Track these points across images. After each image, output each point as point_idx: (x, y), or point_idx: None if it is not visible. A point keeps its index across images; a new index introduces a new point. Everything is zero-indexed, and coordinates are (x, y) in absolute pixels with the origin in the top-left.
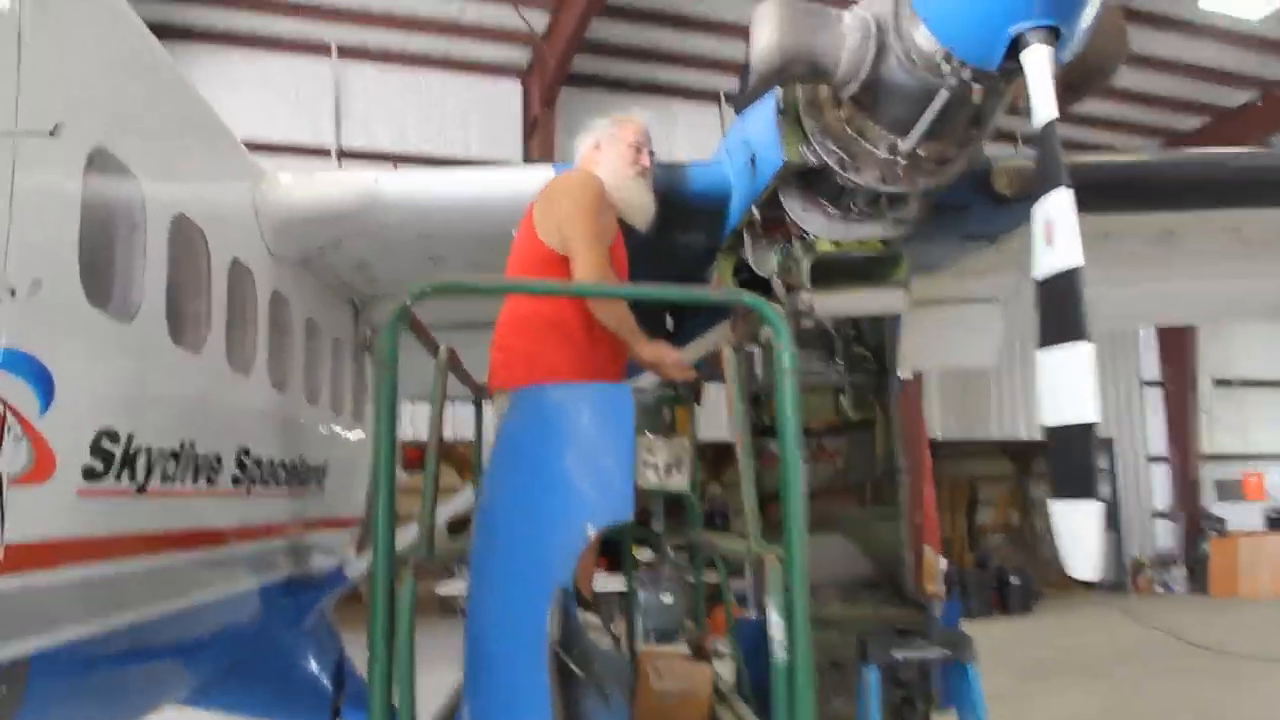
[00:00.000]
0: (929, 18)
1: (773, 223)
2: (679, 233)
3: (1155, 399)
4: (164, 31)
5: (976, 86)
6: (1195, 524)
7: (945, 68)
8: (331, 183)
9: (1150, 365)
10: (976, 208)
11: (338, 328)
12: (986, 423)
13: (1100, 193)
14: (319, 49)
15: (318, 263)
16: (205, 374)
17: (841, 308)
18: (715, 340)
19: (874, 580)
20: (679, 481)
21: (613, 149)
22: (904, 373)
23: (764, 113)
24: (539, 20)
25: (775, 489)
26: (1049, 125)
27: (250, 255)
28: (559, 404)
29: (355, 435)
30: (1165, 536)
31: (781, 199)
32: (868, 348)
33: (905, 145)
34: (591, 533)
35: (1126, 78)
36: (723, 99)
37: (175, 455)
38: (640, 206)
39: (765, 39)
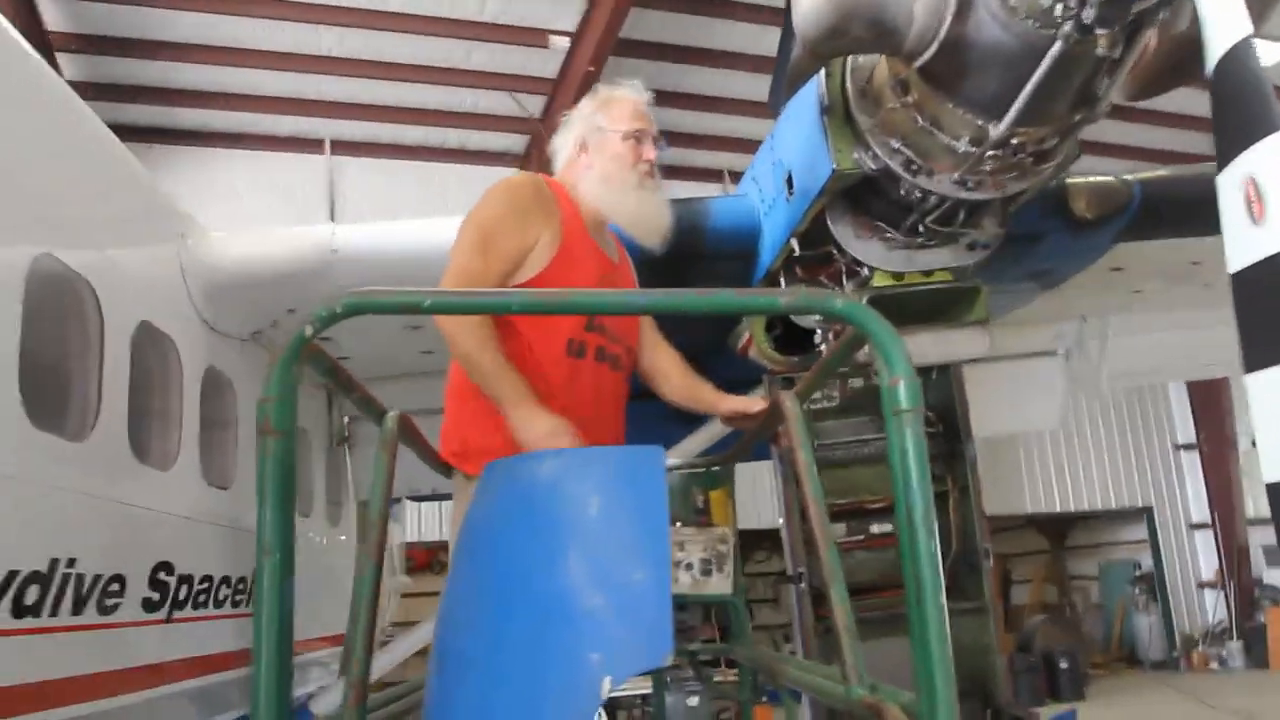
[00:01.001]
0: None
1: (815, 261)
2: (697, 283)
3: (1192, 463)
4: (160, 135)
5: (1103, 32)
6: (1247, 594)
7: (1059, 9)
8: (280, 239)
9: (1184, 427)
10: (1050, 237)
11: (305, 414)
12: (1019, 495)
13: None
14: (313, 144)
15: (275, 336)
16: (93, 468)
17: (912, 355)
18: (756, 400)
19: (960, 691)
20: (719, 584)
21: (604, 148)
22: None
23: (802, 116)
24: (535, 103)
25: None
26: (1242, 46)
27: (171, 322)
28: (551, 480)
29: (331, 540)
30: (1215, 608)
31: (829, 225)
32: (931, 409)
33: (999, 130)
34: (610, 686)
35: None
36: (728, 176)
37: (40, 579)
38: (651, 218)
39: None
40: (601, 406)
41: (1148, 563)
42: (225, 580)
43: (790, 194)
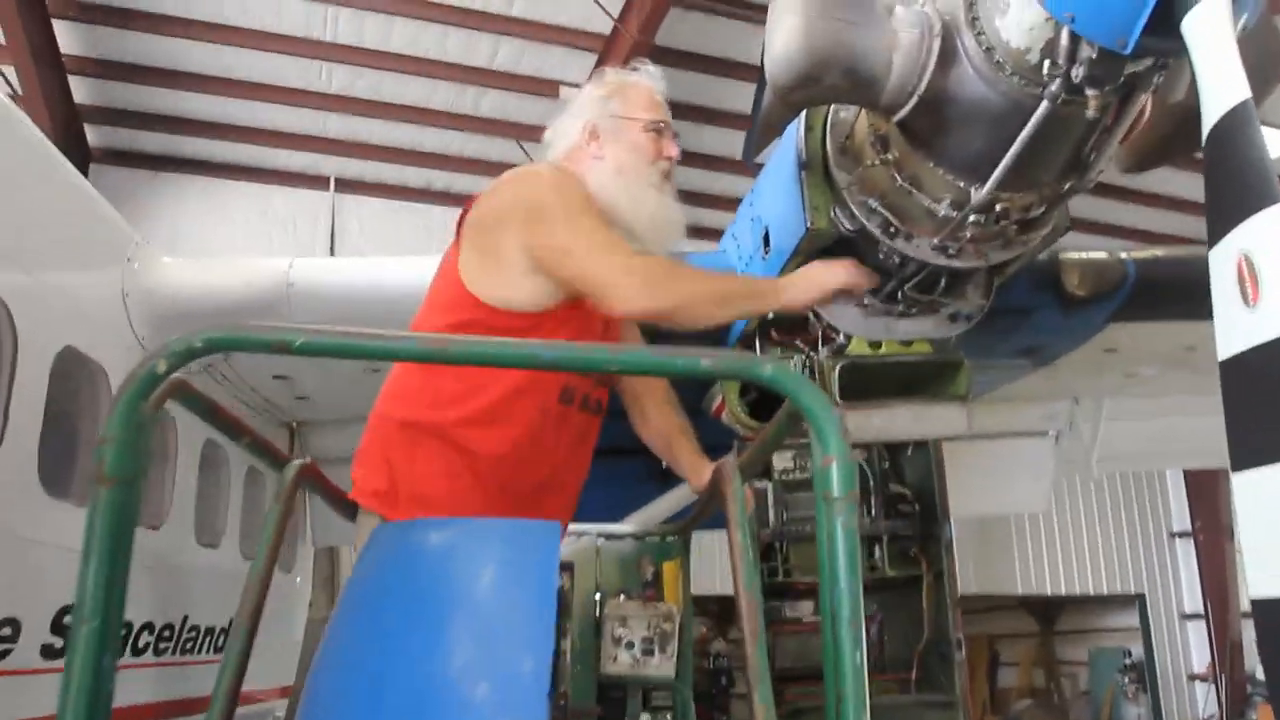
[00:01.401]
0: None
1: (789, 326)
2: (667, 342)
3: (1187, 552)
4: (168, 163)
5: (1093, 93)
6: (1239, 689)
7: (1046, 66)
8: (235, 269)
9: (1179, 514)
10: (1040, 313)
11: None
12: (1009, 575)
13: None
14: (318, 180)
15: (226, 371)
16: None
17: (884, 430)
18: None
19: None
20: (662, 666)
21: (620, 136)
22: None
23: (781, 171)
24: (539, 151)
25: (797, 664)
26: (1240, 110)
27: (105, 350)
28: (439, 552)
29: (284, 585)
30: (1206, 702)
31: None
32: (907, 486)
33: (981, 193)
34: None
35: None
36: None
37: None
38: (671, 222)
39: (787, 36)
40: (576, 452)
41: (1138, 651)
42: (147, 626)
43: (766, 253)
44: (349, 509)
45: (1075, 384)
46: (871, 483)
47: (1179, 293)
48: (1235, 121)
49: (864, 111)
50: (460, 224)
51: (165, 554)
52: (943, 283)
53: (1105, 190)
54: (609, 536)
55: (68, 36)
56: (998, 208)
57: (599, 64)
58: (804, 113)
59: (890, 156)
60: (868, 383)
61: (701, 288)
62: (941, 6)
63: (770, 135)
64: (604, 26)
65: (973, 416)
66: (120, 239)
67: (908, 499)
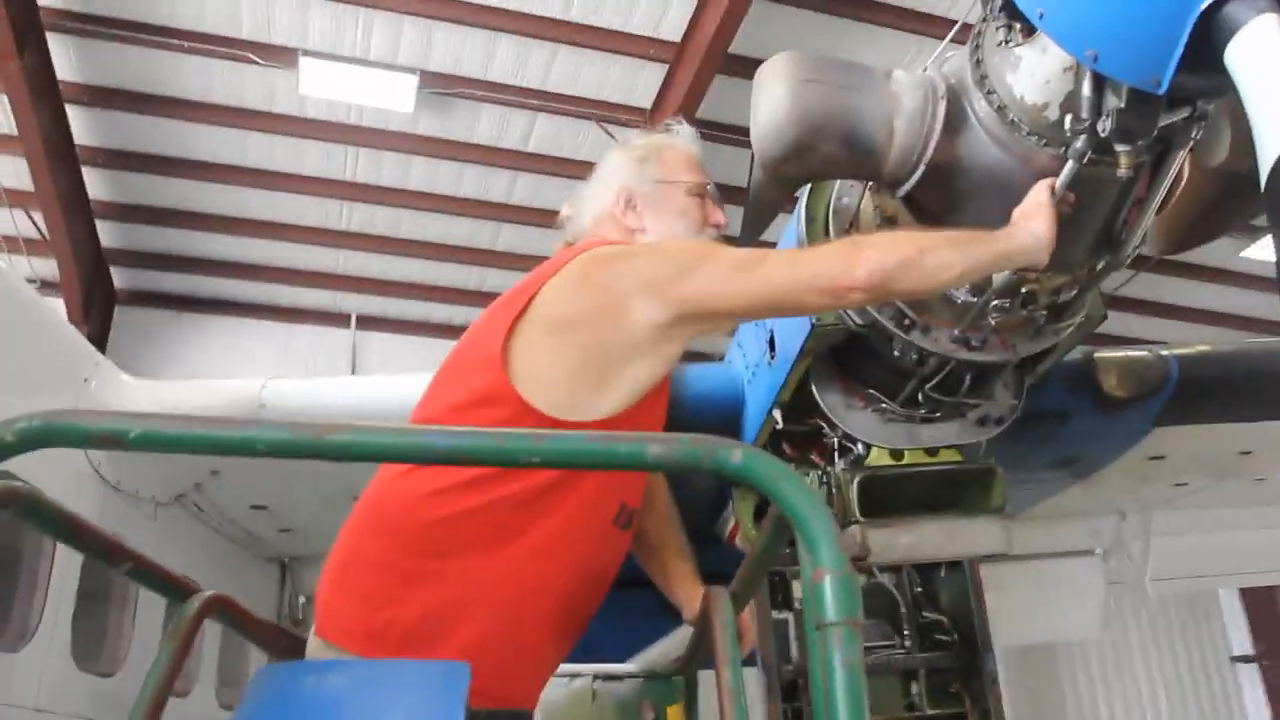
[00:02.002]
0: (1050, 10)
1: (804, 437)
2: None
3: (1251, 677)
4: (190, 304)
5: (1124, 149)
6: None
7: (1069, 121)
8: (203, 389)
9: (1239, 636)
10: (1077, 418)
11: (247, 591)
12: (1059, 710)
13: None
14: (338, 318)
15: (200, 502)
16: None
17: (913, 549)
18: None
19: None
20: None
21: (662, 204)
22: None
23: None
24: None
25: None
26: None
27: (51, 481)
28: (334, 696)
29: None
30: None
31: (814, 393)
32: (943, 611)
33: (1003, 277)
34: None
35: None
36: None
37: None
38: None
39: (774, 103)
40: (612, 574)
41: None
42: None
43: (772, 358)
44: (281, 644)
45: (1121, 496)
46: (903, 609)
47: (1228, 392)
48: None
49: (869, 194)
50: (517, 318)
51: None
52: (967, 381)
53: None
54: (606, 678)
55: (95, 181)
56: (1023, 291)
57: None
58: (803, 203)
59: None
60: (892, 497)
61: (919, 241)
62: (946, 69)
63: (762, 218)
64: None
65: (1013, 532)
66: (77, 360)
67: (945, 628)
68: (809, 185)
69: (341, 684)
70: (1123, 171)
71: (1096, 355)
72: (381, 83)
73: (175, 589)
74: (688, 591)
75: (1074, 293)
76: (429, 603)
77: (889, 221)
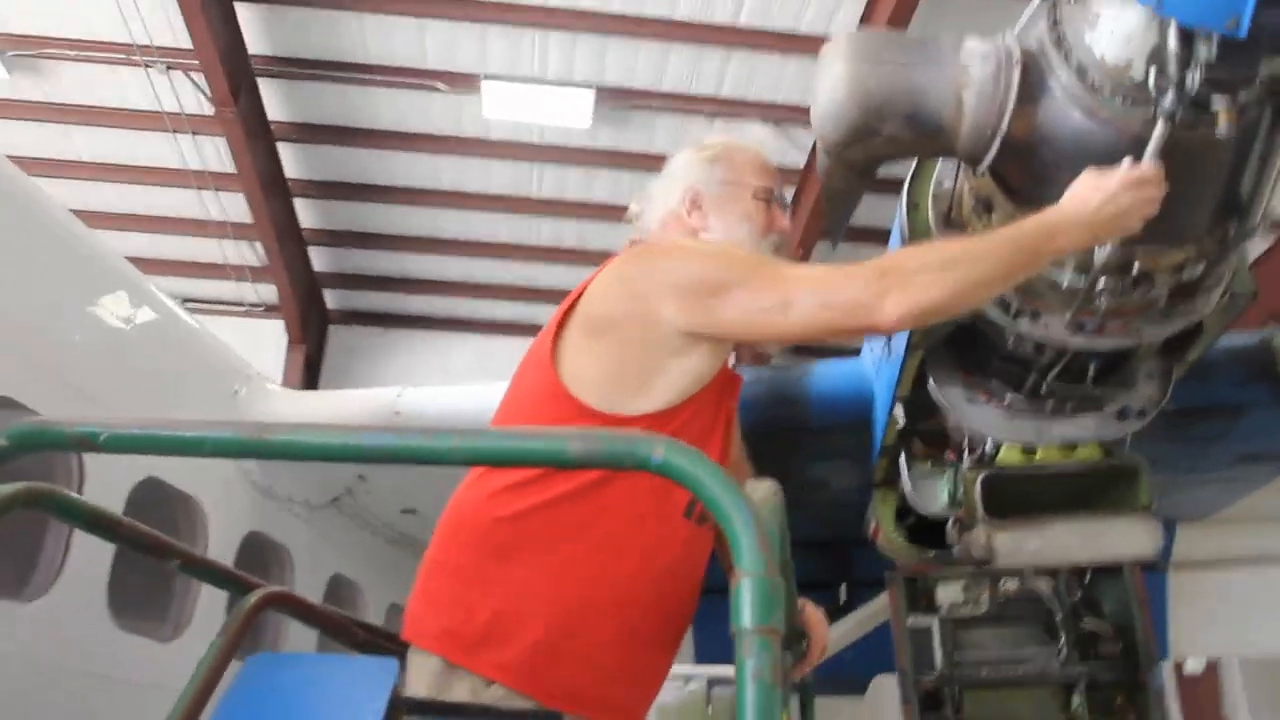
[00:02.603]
0: None
1: (935, 435)
2: (805, 464)
3: None
4: (394, 320)
5: (1222, 103)
6: None
7: (1154, 76)
8: (342, 400)
9: None
10: (1255, 411)
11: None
12: None
13: None
14: (534, 330)
15: (354, 506)
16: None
17: (1043, 554)
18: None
19: None
20: None
21: (728, 206)
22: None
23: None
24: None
25: None
26: None
27: (198, 484)
28: (272, 687)
29: None
30: None
31: (931, 386)
32: (1107, 621)
33: (1105, 252)
34: None
35: None
36: None
37: None
38: None
39: (833, 86)
40: (694, 572)
41: None
42: None
43: (889, 352)
44: (358, 639)
45: None
46: (1058, 616)
47: None
48: None
49: (966, 175)
50: (560, 326)
51: None
52: (1092, 370)
53: None
54: (720, 682)
55: (305, 210)
56: (1135, 269)
57: None
58: (906, 190)
59: (995, 219)
60: (1027, 497)
61: (965, 254)
62: (1025, 33)
63: (840, 206)
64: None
65: (1159, 535)
66: (229, 375)
67: (1109, 639)
68: (913, 172)
69: (288, 678)
70: (1222, 129)
71: (1277, 340)
72: (560, 100)
73: (234, 583)
74: None
75: (1200, 269)
76: (497, 604)
77: (983, 202)
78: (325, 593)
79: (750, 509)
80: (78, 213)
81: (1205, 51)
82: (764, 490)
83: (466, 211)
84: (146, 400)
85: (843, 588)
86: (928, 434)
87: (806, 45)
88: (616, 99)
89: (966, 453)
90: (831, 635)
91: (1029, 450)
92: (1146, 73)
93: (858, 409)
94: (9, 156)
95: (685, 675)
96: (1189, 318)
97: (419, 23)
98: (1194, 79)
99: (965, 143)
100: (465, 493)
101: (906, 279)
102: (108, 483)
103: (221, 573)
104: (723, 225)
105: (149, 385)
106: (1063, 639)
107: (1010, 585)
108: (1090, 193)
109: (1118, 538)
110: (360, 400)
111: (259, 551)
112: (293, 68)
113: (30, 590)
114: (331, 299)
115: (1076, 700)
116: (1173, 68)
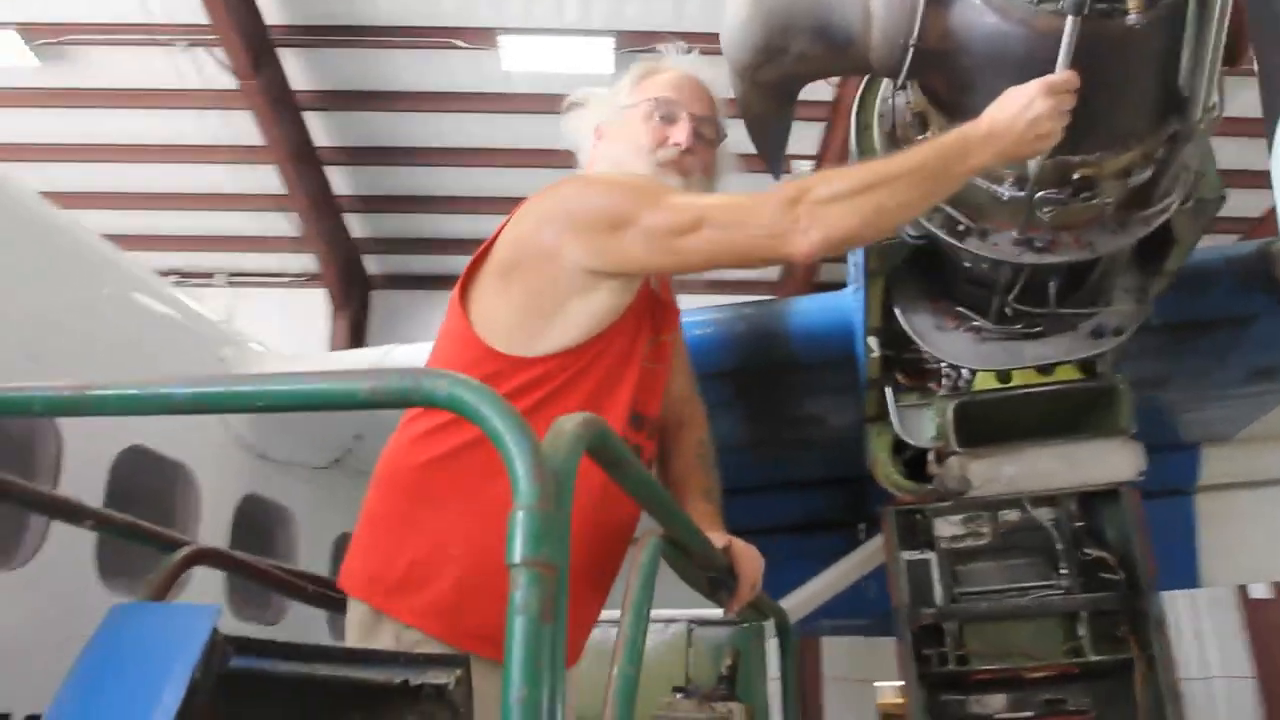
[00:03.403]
0: None
1: (916, 367)
2: (797, 401)
3: None
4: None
5: None
6: None
7: None
8: (333, 361)
9: None
10: (1262, 320)
11: None
12: None
13: None
14: None
15: (357, 466)
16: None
17: (1019, 480)
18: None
19: None
20: None
21: (624, 130)
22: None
23: None
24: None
25: None
26: None
27: (187, 448)
28: (100, 632)
29: None
30: None
31: (898, 315)
32: (1110, 550)
33: (1037, 161)
34: None
35: None
36: None
37: None
38: None
39: (737, 4)
40: (634, 518)
41: None
42: None
43: (859, 281)
44: (310, 592)
45: None
46: (1059, 545)
47: None
48: None
49: (908, 91)
50: (467, 276)
51: None
52: (1053, 288)
53: None
54: (701, 623)
55: (337, 177)
56: (1075, 177)
57: None
58: (855, 112)
59: (930, 135)
60: (1004, 425)
61: (876, 178)
62: None
63: (765, 134)
64: None
65: (1142, 456)
66: (214, 340)
67: (1111, 566)
68: (860, 93)
69: (117, 624)
70: (1133, 18)
71: (1274, 245)
72: (579, 49)
73: (158, 542)
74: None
75: (1149, 172)
76: (417, 549)
77: (918, 117)
78: (333, 550)
79: (529, 440)
80: (113, 196)
81: None
82: (567, 423)
83: (498, 168)
84: (127, 370)
85: (861, 526)
86: (910, 364)
87: None
88: (637, 42)
89: (943, 381)
90: (835, 572)
91: (1002, 376)
92: None
93: (841, 343)
94: (44, 145)
95: (667, 619)
96: (1149, 226)
97: None
98: None
99: (878, 54)
100: (393, 440)
101: (815, 207)
102: (87, 452)
103: (146, 532)
104: (613, 153)
105: (126, 355)
106: (1064, 569)
107: (1011, 516)
108: (1006, 104)
109: (1096, 461)
110: (350, 361)
111: (259, 513)
112: (310, 35)
113: None
114: (371, 264)
115: (1081, 630)
116: None
